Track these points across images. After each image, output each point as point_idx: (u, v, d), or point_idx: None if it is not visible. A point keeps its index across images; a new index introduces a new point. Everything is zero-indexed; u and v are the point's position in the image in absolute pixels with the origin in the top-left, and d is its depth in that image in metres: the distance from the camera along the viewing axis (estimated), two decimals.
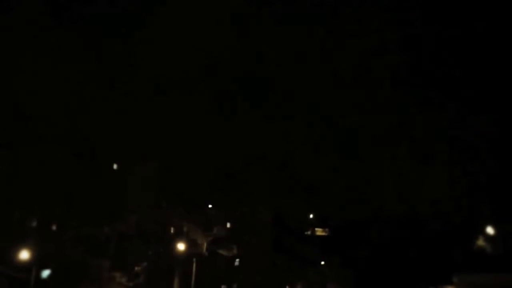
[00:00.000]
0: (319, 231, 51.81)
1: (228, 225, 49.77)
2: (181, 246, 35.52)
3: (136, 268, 38.43)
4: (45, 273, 27.57)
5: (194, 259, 37.24)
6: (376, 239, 43.64)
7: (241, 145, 45.93)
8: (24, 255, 27.38)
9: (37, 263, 28.56)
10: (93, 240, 35.84)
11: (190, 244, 41.30)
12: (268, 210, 48.51)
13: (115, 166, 48.16)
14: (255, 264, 46.05)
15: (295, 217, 50.26)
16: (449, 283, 33.91)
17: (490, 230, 35.74)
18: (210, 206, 54.58)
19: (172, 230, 47.30)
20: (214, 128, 45.73)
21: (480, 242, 36.74)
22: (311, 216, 51.95)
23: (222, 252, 47.34)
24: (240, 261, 47.28)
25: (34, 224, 31.82)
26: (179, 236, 41.68)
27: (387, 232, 43.46)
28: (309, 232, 51.22)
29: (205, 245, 48.96)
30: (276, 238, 47.75)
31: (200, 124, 45.03)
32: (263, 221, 48.08)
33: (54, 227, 32.83)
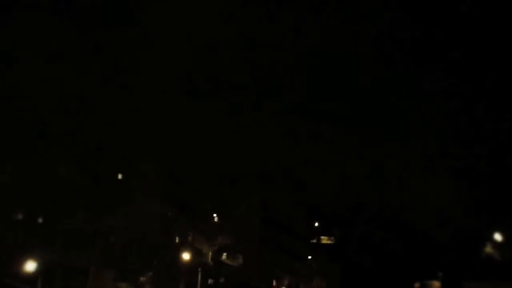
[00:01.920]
0: (324, 239, 51.59)
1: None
2: (186, 256, 35.34)
3: (141, 278, 38.30)
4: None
5: (200, 269, 37.06)
6: (372, 240, 43.40)
7: (245, 152, 45.78)
8: (30, 266, 27.29)
9: (43, 273, 28.50)
10: (98, 250, 35.78)
11: (195, 253, 41.15)
12: (257, 203, 48.72)
13: (119, 176, 48.07)
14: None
15: (299, 225, 50.08)
16: (434, 278, 33.79)
17: (498, 236, 35.47)
18: (214, 215, 54.40)
19: (177, 240, 47.13)
20: (217, 135, 45.55)
21: (488, 249, 36.44)
22: (316, 224, 51.78)
23: (227, 261, 47.14)
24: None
25: (38, 234, 31.74)
26: (184, 246, 41.54)
27: (382, 234, 43.37)
28: (314, 241, 51.02)
29: (210, 254, 48.74)
30: (264, 232, 47.94)
31: (203, 131, 44.85)
32: (251, 215, 48.39)
33: (59, 237, 32.78)
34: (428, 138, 41.59)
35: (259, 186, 48.86)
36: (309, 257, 52.08)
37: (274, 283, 46.73)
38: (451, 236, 37.63)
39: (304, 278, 48.81)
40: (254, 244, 46.95)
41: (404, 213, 41.95)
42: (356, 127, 43.87)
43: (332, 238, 51.04)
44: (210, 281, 42.99)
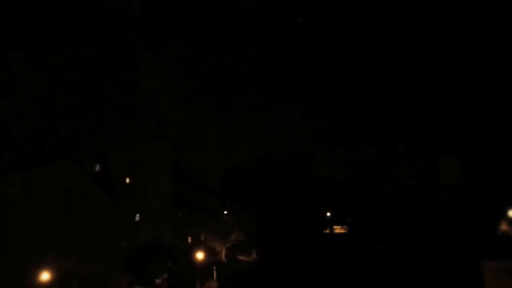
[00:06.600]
0: (337, 229, 51.18)
1: (128, 180, 48.33)
2: (200, 255, 35.20)
3: (156, 281, 38.31)
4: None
5: (214, 267, 36.95)
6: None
7: (252, 146, 45.53)
8: (45, 276, 27.36)
9: (59, 282, 28.52)
10: (112, 255, 35.80)
11: (209, 252, 41.06)
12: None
13: (127, 180, 48.00)
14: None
15: (311, 216, 49.68)
16: None
17: None
18: (225, 212, 54.27)
19: (189, 240, 47.07)
20: (223, 130, 45.36)
21: (503, 226, 35.98)
22: (328, 214, 51.38)
23: (242, 257, 47.04)
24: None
25: (53, 243, 31.72)
26: (197, 245, 41.48)
27: None
28: (327, 231, 50.60)
29: (224, 252, 48.66)
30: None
31: (208, 127, 44.70)
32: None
33: (72, 245, 32.76)
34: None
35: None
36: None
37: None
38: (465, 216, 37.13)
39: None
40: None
41: None
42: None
43: (345, 227, 50.56)
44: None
